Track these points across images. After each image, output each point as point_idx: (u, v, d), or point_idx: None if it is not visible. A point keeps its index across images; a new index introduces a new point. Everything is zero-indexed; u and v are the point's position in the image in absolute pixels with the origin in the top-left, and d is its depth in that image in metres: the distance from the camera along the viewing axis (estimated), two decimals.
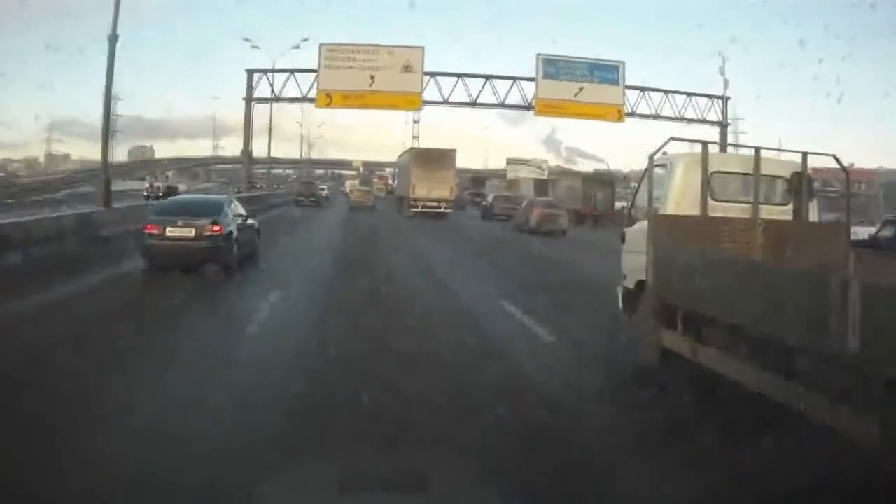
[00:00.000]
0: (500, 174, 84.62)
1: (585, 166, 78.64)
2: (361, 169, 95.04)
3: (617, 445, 4.89)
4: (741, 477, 4.02)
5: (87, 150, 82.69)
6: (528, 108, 39.94)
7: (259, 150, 66.40)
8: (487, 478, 3.97)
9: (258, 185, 52.04)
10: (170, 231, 11.39)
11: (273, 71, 39.21)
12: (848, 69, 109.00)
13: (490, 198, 41.53)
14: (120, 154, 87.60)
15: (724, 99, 41.30)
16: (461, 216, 38.64)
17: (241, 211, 13.41)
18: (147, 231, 11.53)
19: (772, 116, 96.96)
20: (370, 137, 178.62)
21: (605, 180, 42.25)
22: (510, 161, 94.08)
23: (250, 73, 39.58)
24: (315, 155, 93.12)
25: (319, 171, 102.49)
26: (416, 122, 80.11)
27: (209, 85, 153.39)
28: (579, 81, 38.76)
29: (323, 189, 53.39)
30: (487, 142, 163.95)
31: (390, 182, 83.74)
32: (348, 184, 79.45)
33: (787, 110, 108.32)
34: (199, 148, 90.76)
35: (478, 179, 75.59)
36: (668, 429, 4.90)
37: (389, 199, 51.16)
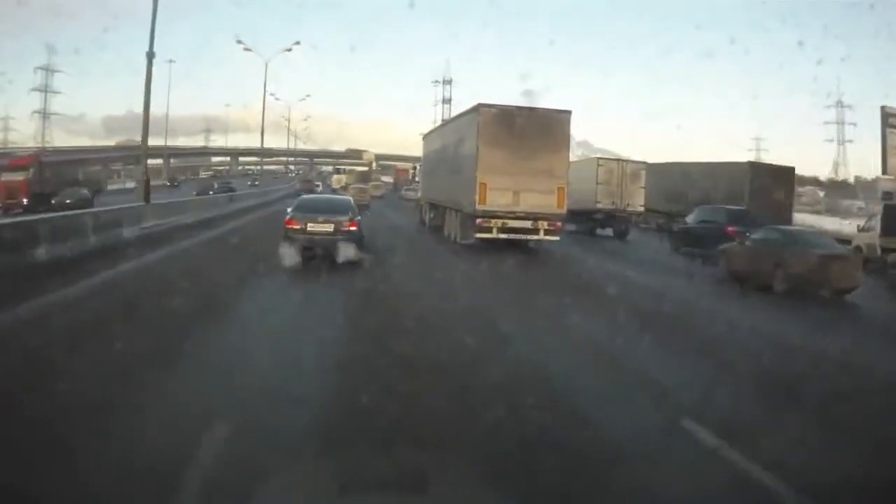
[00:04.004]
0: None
1: None
2: (374, 164, 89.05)
3: None
4: (741, 477, 4.01)
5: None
6: None
7: (251, 143, 66.98)
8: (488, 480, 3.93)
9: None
10: (311, 226, 13.65)
11: None
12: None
13: None
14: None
15: None
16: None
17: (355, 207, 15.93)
18: (288, 226, 13.67)
19: None
20: (378, 131, 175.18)
21: None
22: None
23: None
24: (312, 148, 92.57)
25: (328, 168, 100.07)
26: (447, 102, 65.43)
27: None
28: None
29: (317, 186, 58.61)
30: None
31: (411, 177, 63.91)
32: (334, 179, 72.60)
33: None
34: (193, 143, 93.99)
35: (756, 169, 28.80)
36: None
37: (390, 199, 45.36)
